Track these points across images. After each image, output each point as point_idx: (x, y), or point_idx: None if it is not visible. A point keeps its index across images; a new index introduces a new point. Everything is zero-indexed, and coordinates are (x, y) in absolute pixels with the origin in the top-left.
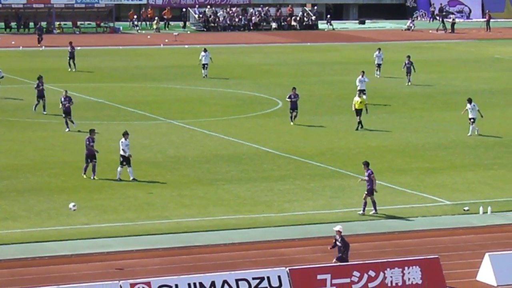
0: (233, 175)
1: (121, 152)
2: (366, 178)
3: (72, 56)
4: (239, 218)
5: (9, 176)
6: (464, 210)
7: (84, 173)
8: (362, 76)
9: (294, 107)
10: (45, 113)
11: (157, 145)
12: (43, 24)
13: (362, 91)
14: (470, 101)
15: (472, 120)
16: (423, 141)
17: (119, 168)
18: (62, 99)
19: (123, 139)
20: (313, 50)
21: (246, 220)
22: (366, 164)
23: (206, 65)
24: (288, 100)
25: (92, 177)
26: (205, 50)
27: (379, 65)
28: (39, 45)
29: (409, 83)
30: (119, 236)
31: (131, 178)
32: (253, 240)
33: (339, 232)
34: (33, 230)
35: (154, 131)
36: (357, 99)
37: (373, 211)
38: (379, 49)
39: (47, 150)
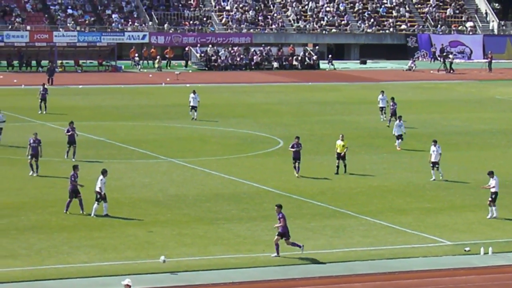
0: (233, 214)
1: (97, 189)
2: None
3: (43, 97)
4: (239, 258)
5: (10, 214)
6: (465, 250)
7: (67, 210)
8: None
9: (297, 156)
10: (74, 160)
11: (158, 184)
12: (45, 62)
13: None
14: (435, 142)
15: (435, 164)
16: (424, 181)
17: (95, 205)
18: (31, 141)
19: (101, 177)
20: (314, 90)
21: (246, 260)
22: (279, 207)
23: (195, 108)
24: (291, 149)
25: (81, 212)
26: (194, 92)
27: (382, 108)
28: (50, 85)
29: (386, 121)
30: (119, 274)
31: (104, 213)
32: (253, 279)
33: None
34: (33, 269)
35: (155, 169)
36: (339, 142)
37: (275, 254)
38: (383, 91)
39: (47, 188)
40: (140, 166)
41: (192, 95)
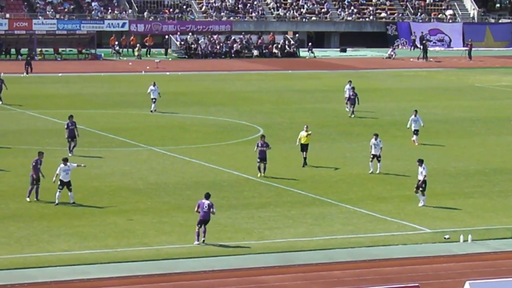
0: (213, 202)
1: (60, 177)
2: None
3: None
4: (219, 245)
5: None
6: (445, 238)
7: (28, 196)
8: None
9: (263, 156)
10: (71, 154)
11: (138, 172)
12: (24, 50)
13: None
14: (376, 136)
15: (374, 157)
16: (403, 169)
17: (57, 193)
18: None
19: (62, 165)
20: (294, 78)
21: (227, 247)
22: (207, 196)
23: (154, 100)
24: (256, 149)
25: (36, 199)
26: (154, 84)
27: (349, 98)
28: (27, 74)
29: (353, 115)
30: (99, 263)
31: (71, 202)
32: (233, 267)
33: None
34: (13, 257)
35: (135, 157)
36: (303, 133)
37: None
38: (350, 81)
39: (27, 176)
40: (120, 154)
41: (151, 87)
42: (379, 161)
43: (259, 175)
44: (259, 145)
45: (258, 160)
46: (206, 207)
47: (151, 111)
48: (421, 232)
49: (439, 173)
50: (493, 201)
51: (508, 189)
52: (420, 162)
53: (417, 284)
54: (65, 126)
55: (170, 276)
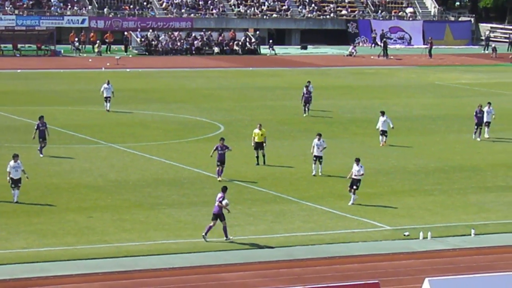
0: (174, 199)
1: (11, 175)
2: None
3: None
4: (180, 243)
5: None
6: (404, 235)
7: None
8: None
9: (222, 159)
10: (42, 156)
11: (98, 169)
12: None
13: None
14: (319, 136)
15: (318, 158)
16: (364, 167)
17: (12, 191)
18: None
19: (12, 162)
20: (255, 75)
21: (187, 245)
22: (222, 189)
23: (108, 98)
24: (213, 152)
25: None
26: (108, 83)
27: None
28: None
29: (306, 114)
30: (58, 260)
31: (14, 201)
32: (193, 264)
33: None
34: None
35: (95, 155)
36: (257, 131)
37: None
38: (309, 82)
39: None
40: (80, 151)
41: (105, 85)
42: (320, 162)
43: (219, 179)
44: (219, 148)
45: (218, 163)
46: (216, 200)
47: (107, 110)
48: (381, 229)
49: (399, 170)
50: (452, 198)
51: (467, 187)
52: (357, 161)
53: (377, 281)
54: (35, 127)
55: (130, 273)
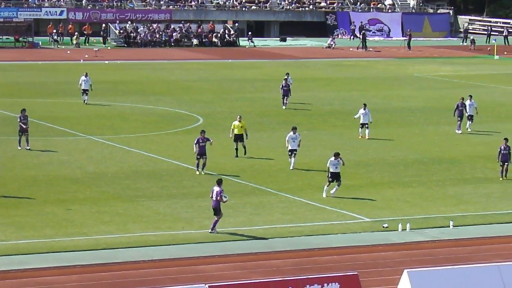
0: (153, 192)
1: None
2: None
3: None
4: (159, 235)
5: None
6: (383, 227)
7: None
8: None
9: (203, 152)
10: (28, 148)
11: (76, 161)
12: None
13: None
14: (295, 130)
15: (293, 152)
16: (343, 159)
17: None
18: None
19: None
20: (234, 67)
21: (166, 237)
22: (218, 183)
23: (86, 91)
24: (196, 145)
25: None
26: (86, 75)
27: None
28: None
29: (286, 107)
30: (37, 253)
31: None
32: (173, 256)
33: None
34: None
35: (73, 147)
36: (236, 123)
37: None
38: (288, 74)
39: None
40: (58, 143)
41: (83, 77)
42: (294, 156)
43: (197, 173)
44: (200, 141)
45: (198, 156)
46: (214, 195)
47: (85, 103)
48: (360, 221)
49: (378, 162)
50: (431, 190)
51: (445, 179)
52: (337, 155)
53: (356, 273)
54: (18, 120)
55: (109, 266)
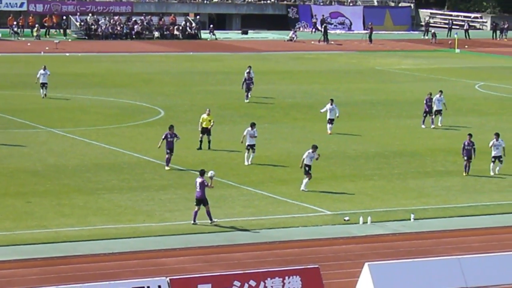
0: (114, 184)
1: None
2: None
3: None
4: (119, 228)
5: None
6: (344, 220)
7: None
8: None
9: (171, 147)
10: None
11: (37, 154)
12: None
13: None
14: (253, 125)
15: (251, 147)
16: (304, 152)
17: None
18: None
19: None
20: (196, 60)
21: (127, 230)
22: (200, 173)
23: (45, 84)
24: (163, 141)
25: None
26: (44, 68)
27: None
28: None
29: (248, 100)
30: None
31: None
32: (133, 249)
33: None
34: None
35: (33, 139)
36: (204, 116)
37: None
38: (250, 67)
39: None
40: (18, 136)
41: (41, 71)
42: (254, 151)
43: (167, 168)
44: (168, 136)
45: (168, 151)
46: (198, 186)
47: (43, 96)
48: (321, 214)
49: (339, 155)
50: (392, 183)
51: (406, 172)
52: (315, 148)
53: (317, 266)
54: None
55: (69, 258)
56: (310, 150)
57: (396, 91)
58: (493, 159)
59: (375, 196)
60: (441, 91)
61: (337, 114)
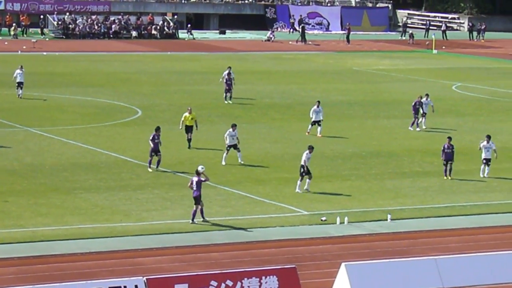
0: (91, 184)
1: None
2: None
3: None
4: (96, 227)
5: None
6: (322, 220)
7: None
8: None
9: (156, 149)
10: None
11: (14, 153)
12: None
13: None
14: (234, 127)
15: (233, 147)
16: (282, 152)
17: None
18: None
19: None
20: (173, 59)
21: (104, 229)
22: (196, 172)
23: (21, 84)
24: (150, 141)
25: None
26: (21, 68)
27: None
28: None
29: (229, 100)
30: None
31: None
32: (110, 249)
33: None
34: None
35: (10, 138)
36: (186, 114)
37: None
38: (229, 67)
39: None
40: None
41: (18, 70)
42: (239, 150)
43: (150, 170)
44: (155, 138)
45: (152, 153)
46: (194, 185)
47: (19, 96)
48: (299, 214)
49: (317, 155)
50: (369, 183)
51: (383, 172)
52: (311, 149)
53: (294, 266)
54: None
55: (46, 258)
56: (307, 151)
57: (374, 91)
58: (484, 161)
59: (352, 196)
60: (427, 94)
61: (321, 117)
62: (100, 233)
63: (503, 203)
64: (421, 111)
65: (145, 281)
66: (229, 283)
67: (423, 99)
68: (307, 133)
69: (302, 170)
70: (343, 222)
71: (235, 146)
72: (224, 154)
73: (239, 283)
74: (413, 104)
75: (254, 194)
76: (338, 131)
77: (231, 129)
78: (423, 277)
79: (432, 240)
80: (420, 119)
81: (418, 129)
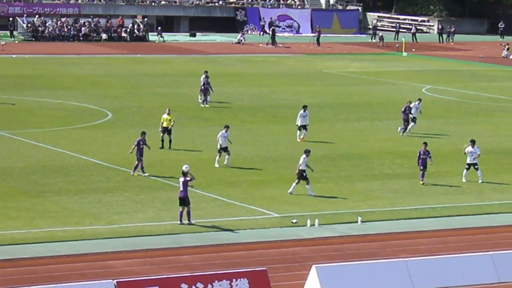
0: (61, 187)
1: None
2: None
3: None
4: (66, 230)
5: None
6: (292, 222)
7: None
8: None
9: (141, 153)
10: None
11: None
12: None
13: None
14: (226, 128)
15: (223, 149)
16: (252, 154)
17: None
18: None
19: None
20: (144, 62)
21: (74, 232)
22: (183, 173)
23: None
24: (135, 147)
25: None
26: None
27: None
28: None
29: (206, 104)
30: None
31: None
32: (80, 252)
33: None
34: None
35: None
36: (165, 116)
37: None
38: (206, 71)
39: None
40: None
41: None
42: (228, 153)
43: (132, 173)
44: (141, 143)
45: (140, 158)
46: (181, 186)
47: None
48: (269, 217)
49: (287, 158)
50: (339, 186)
51: (354, 174)
52: (308, 152)
53: (264, 268)
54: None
55: (15, 261)
56: (304, 156)
57: (344, 94)
58: (467, 166)
59: (322, 198)
60: (419, 99)
61: (307, 122)
62: (70, 236)
63: (473, 205)
64: (411, 116)
65: (115, 284)
66: (200, 285)
67: (415, 103)
68: (299, 140)
69: (305, 174)
70: (314, 225)
71: (225, 149)
72: (217, 157)
73: (209, 286)
74: (402, 109)
75: (224, 197)
76: (309, 133)
77: (223, 131)
78: (394, 279)
79: (402, 242)
80: (411, 124)
81: (403, 134)
